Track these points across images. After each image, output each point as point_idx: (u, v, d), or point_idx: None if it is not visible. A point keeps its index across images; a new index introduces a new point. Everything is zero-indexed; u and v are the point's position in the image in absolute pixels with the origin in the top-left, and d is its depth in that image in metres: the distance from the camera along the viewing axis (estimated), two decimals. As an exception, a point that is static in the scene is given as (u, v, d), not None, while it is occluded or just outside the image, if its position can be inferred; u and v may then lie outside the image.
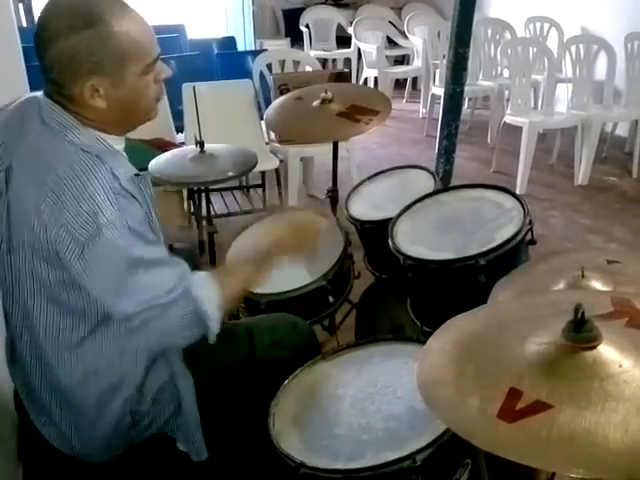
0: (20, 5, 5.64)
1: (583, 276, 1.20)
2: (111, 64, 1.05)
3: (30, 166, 1.08)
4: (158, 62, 1.14)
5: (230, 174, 2.06)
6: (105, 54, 1.04)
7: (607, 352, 0.83)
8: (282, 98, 2.21)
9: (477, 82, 5.01)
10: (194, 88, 2.38)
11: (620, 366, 0.81)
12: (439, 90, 4.43)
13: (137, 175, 1.14)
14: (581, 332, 0.83)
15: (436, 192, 1.83)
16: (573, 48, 4.27)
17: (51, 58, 1.04)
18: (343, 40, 6.63)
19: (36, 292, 1.12)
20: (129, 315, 1.09)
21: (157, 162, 2.14)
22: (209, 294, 1.14)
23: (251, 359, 1.39)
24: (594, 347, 0.83)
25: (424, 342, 1.30)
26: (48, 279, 1.09)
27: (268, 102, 3.48)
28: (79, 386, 1.17)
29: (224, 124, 3.04)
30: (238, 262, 1.33)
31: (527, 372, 0.85)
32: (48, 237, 1.04)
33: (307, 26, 6.58)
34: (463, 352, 0.96)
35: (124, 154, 1.19)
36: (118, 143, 1.17)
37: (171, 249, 1.80)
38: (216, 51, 4.94)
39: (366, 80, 6.32)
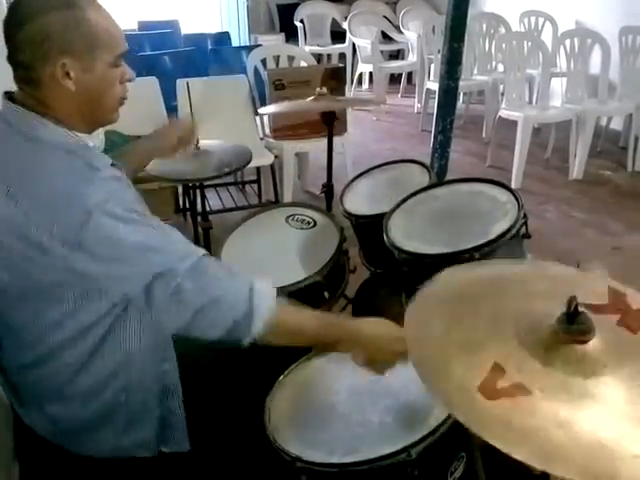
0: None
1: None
2: (84, 47, 1.06)
3: (1, 173, 1.05)
4: (124, 63, 1.15)
5: (225, 170, 2.05)
6: (79, 35, 1.05)
7: (596, 349, 0.83)
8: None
9: (472, 77, 5.02)
10: (187, 84, 2.36)
11: (605, 366, 0.81)
12: (434, 85, 4.43)
13: (113, 165, 1.13)
14: (574, 324, 0.83)
15: (431, 186, 1.83)
16: (567, 42, 4.28)
17: (25, 37, 1.03)
18: (338, 35, 6.62)
19: (25, 294, 1.10)
20: (147, 285, 1.04)
21: (151, 158, 2.14)
22: (267, 290, 1.12)
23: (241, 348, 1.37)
24: (585, 342, 0.83)
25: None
26: (42, 278, 1.07)
27: (263, 97, 3.48)
28: (70, 383, 1.17)
29: (218, 120, 3.03)
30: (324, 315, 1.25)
31: (515, 351, 0.84)
32: (38, 237, 1.02)
33: (302, 21, 6.57)
34: (455, 310, 0.95)
35: (98, 149, 1.18)
36: (88, 140, 1.15)
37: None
38: (210, 46, 4.94)
39: (361, 75, 6.32)
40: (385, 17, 6.62)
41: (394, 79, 6.45)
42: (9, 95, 1.12)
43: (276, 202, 3.49)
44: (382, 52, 6.23)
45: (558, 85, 4.36)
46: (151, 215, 1.10)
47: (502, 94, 4.39)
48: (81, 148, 1.09)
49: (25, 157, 1.06)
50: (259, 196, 3.79)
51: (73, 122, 1.12)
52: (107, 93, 1.13)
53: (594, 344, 0.83)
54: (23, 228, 1.02)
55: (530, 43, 4.27)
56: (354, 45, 6.21)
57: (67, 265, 1.04)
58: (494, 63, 5.12)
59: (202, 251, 1.11)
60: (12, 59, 1.07)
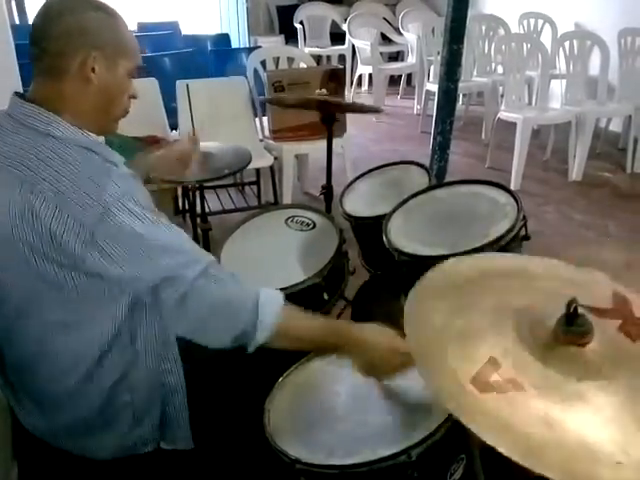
0: (13, 2, 5.62)
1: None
2: (113, 48, 1.13)
3: (14, 167, 1.05)
4: (133, 81, 1.21)
5: (225, 171, 2.06)
6: (111, 37, 1.13)
7: (593, 353, 0.82)
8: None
9: (471, 78, 5.02)
10: (187, 85, 2.36)
11: (599, 371, 0.80)
12: (433, 86, 4.43)
13: (125, 164, 1.14)
14: (573, 326, 0.83)
15: (430, 188, 1.83)
16: (567, 44, 4.29)
17: (62, 28, 1.09)
18: (337, 37, 6.63)
19: (33, 290, 1.09)
20: (154, 286, 1.06)
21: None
22: (274, 297, 1.16)
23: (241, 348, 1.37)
24: (583, 344, 0.83)
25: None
26: (54, 274, 1.06)
27: (262, 99, 3.48)
28: (79, 384, 1.16)
29: (218, 121, 3.03)
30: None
31: (512, 347, 0.84)
32: (50, 231, 1.01)
33: (301, 23, 6.57)
34: (457, 300, 0.95)
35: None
36: (99, 139, 1.17)
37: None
38: (210, 48, 4.93)
39: (360, 77, 6.32)
40: (385, 19, 6.63)
41: (393, 81, 6.45)
42: (20, 95, 1.13)
43: (275, 204, 3.49)
44: (381, 54, 6.23)
45: (557, 87, 4.36)
46: (161, 216, 1.11)
47: (501, 96, 4.40)
48: (95, 145, 1.10)
49: (43, 150, 1.05)
50: (258, 198, 3.79)
51: (86, 121, 1.13)
52: (118, 99, 1.18)
53: (592, 347, 0.83)
54: (39, 220, 1.02)
55: (529, 45, 4.27)
56: (354, 47, 6.22)
57: (77, 262, 1.03)
58: (493, 65, 5.13)
59: (211, 257, 1.13)
60: (40, 48, 1.10)
